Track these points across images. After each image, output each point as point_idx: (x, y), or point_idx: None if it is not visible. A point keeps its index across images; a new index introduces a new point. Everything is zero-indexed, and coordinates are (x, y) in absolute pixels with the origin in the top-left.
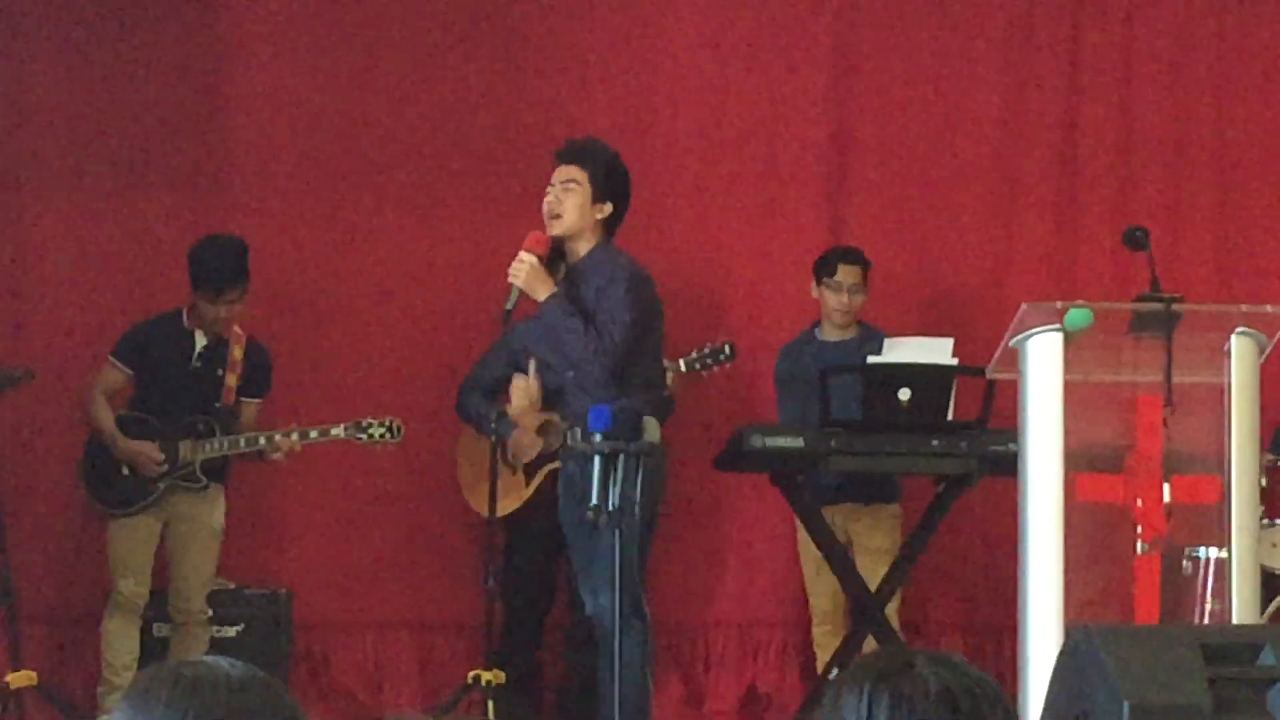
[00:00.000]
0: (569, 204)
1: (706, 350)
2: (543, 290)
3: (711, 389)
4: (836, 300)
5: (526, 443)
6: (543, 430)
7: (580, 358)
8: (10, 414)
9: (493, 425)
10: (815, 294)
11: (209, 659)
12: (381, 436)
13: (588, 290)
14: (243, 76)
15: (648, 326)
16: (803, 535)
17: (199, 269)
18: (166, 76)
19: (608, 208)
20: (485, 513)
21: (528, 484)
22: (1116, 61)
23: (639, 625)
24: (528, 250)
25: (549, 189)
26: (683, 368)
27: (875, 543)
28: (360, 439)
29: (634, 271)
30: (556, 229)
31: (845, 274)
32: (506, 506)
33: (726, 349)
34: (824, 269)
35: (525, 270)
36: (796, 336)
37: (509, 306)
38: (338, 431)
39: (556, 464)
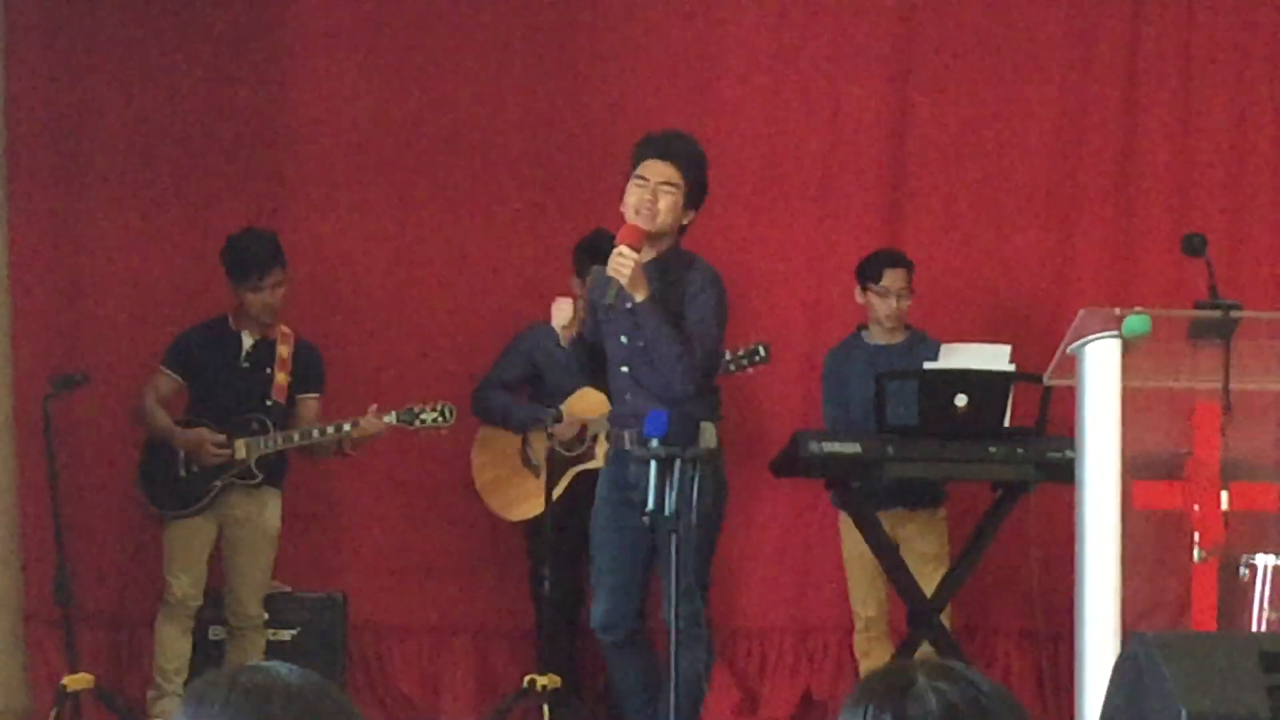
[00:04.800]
0: (664, 205)
1: (741, 352)
2: (642, 291)
3: (768, 393)
4: (884, 305)
5: (567, 435)
6: (583, 432)
7: (670, 367)
8: (66, 418)
9: (547, 421)
10: (860, 299)
11: (267, 664)
12: (434, 422)
13: (669, 289)
14: (299, 83)
15: (724, 337)
16: (848, 542)
17: (235, 260)
18: (223, 83)
19: (691, 214)
20: (509, 516)
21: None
22: (1175, 67)
23: (701, 635)
24: (628, 245)
25: (640, 181)
26: None
27: (925, 548)
28: (412, 425)
29: (720, 283)
30: (646, 226)
31: (891, 279)
32: (531, 510)
33: (761, 350)
34: (869, 274)
35: (630, 268)
36: (842, 339)
37: (609, 301)
38: (389, 419)
39: (584, 467)
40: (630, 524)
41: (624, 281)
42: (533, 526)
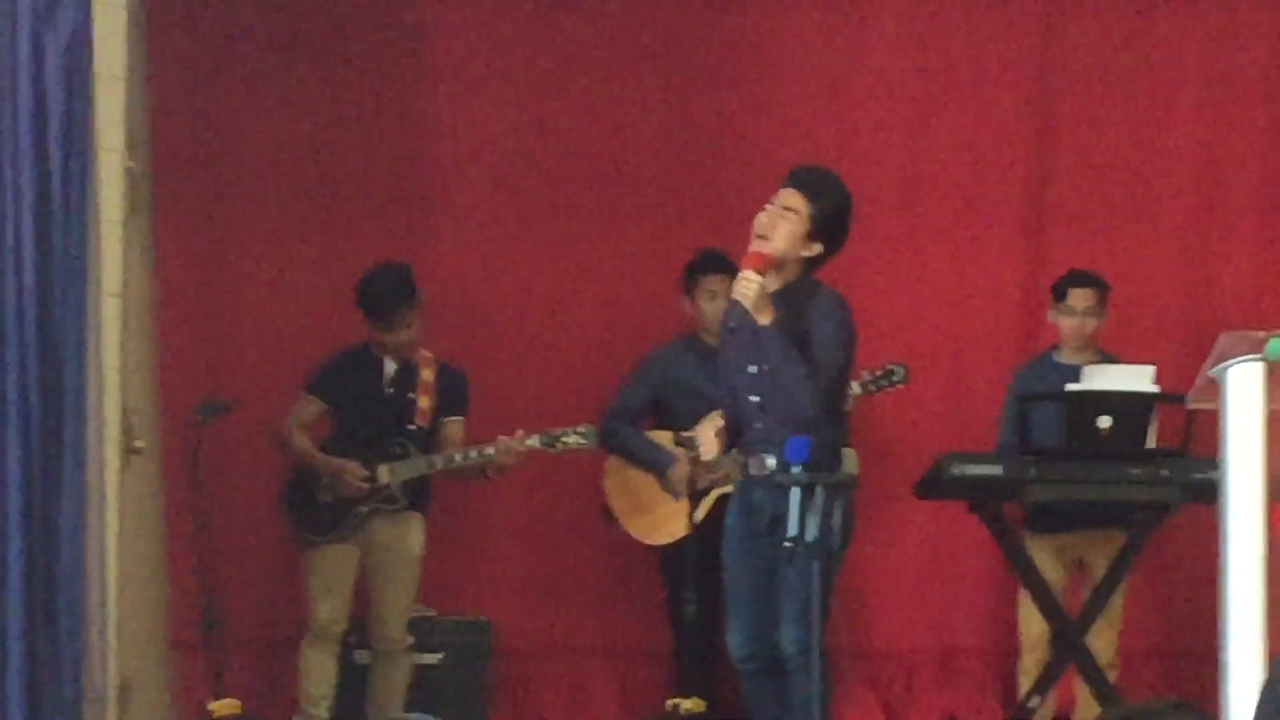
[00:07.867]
0: (781, 230)
1: (879, 373)
2: (766, 315)
3: (907, 415)
4: (1070, 324)
5: (680, 476)
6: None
7: (794, 393)
8: (214, 444)
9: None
10: (1051, 318)
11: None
12: (576, 444)
13: (794, 318)
14: (440, 111)
15: (851, 361)
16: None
17: (366, 302)
18: (366, 112)
19: (816, 248)
20: (650, 540)
21: (693, 510)
22: None
23: (815, 662)
24: (753, 269)
25: (768, 205)
26: (857, 389)
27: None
28: (554, 448)
29: (846, 310)
30: (762, 249)
31: (1077, 298)
32: (673, 533)
33: (898, 371)
34: (1058, 292)
35: (755, 291)
36: (1033, 358)
37: (733, 325)
38: (532, 442)
39: (726, 490)
40: (759, 552)
41: (748, 305)
42: (669, 550)
